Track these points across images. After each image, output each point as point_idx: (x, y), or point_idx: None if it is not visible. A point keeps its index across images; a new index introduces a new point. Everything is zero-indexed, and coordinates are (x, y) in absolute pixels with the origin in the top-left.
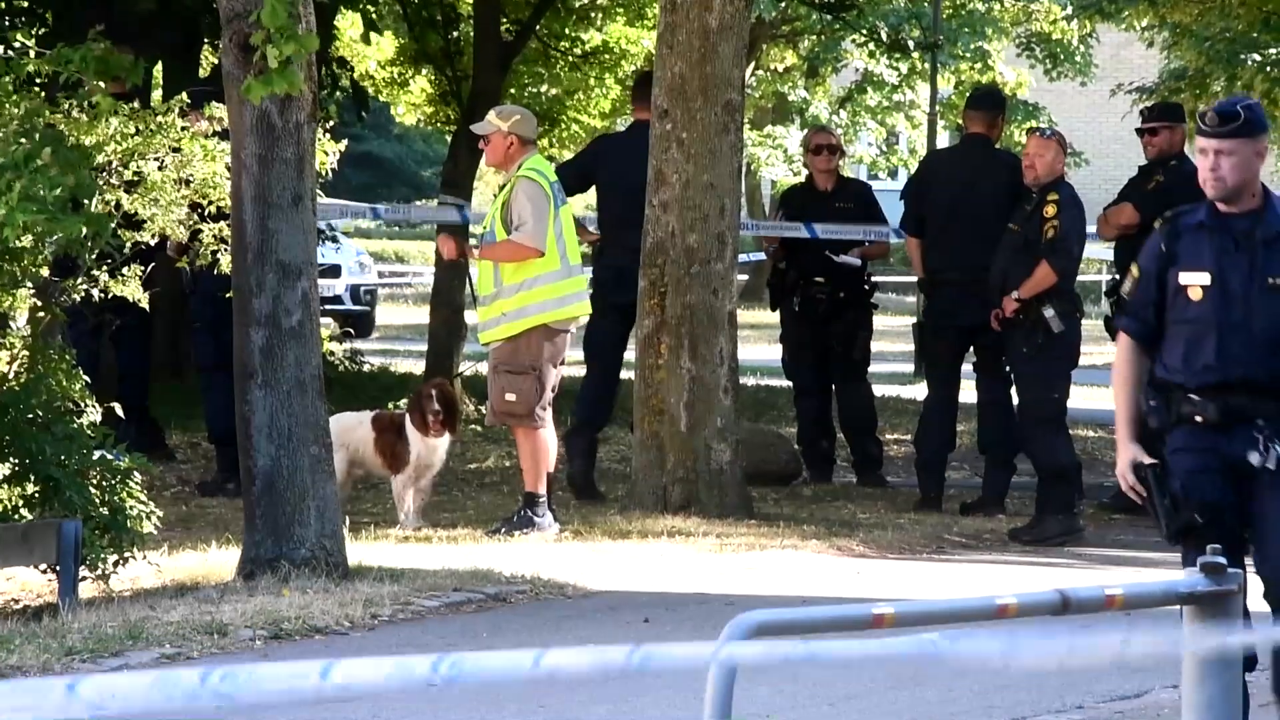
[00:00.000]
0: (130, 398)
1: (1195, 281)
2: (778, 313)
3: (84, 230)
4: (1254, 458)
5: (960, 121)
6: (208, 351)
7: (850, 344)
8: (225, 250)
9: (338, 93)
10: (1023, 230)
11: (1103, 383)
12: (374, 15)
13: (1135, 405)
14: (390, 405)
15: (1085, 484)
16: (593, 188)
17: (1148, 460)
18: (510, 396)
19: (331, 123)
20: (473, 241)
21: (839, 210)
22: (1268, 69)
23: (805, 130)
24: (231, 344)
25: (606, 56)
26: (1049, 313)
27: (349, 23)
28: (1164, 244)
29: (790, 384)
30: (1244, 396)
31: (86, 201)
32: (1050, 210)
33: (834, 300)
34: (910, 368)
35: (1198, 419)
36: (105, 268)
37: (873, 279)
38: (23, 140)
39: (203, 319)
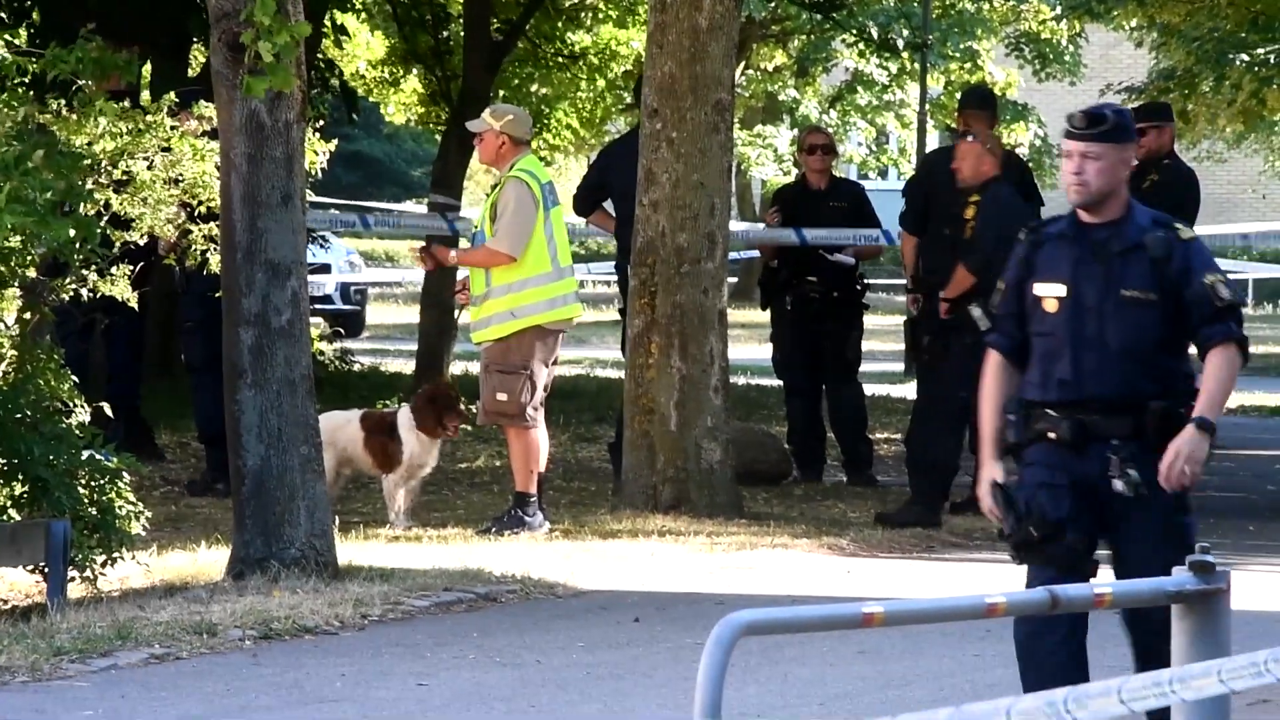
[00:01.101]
0: (121, 397)
1: (1050, 293)
2: (768, 312)
3: (72, 234)
4: (1118, 485)
5: (950, 122)
6: (198, 352)
7: (842, 343)
8: (215, 250)
9: (327, 94)
10: (951, 232)
11: None
12: (356, 4)
13: (1001, 424)
14: (379, 404)
15: None
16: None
17: (1001, 480)
18: (501, 396)
19: (321, 122)
20: (462, 243)
21: (834, 210)
22: (1256, 69)
23: (796, 130)
24: (221, 344)
25: (596, 57)
26: (976, 312)
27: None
28: (1025, 254)
29: (780, 383)
30: (1098, 414)
31: (77, 205)
32: (969, 212)
33: (826, 299)
34: (901, 366)
35: (1051, 436)
36: (94, 268)
37: (864, 278)
38: (15, 142)
39: (193, 319)
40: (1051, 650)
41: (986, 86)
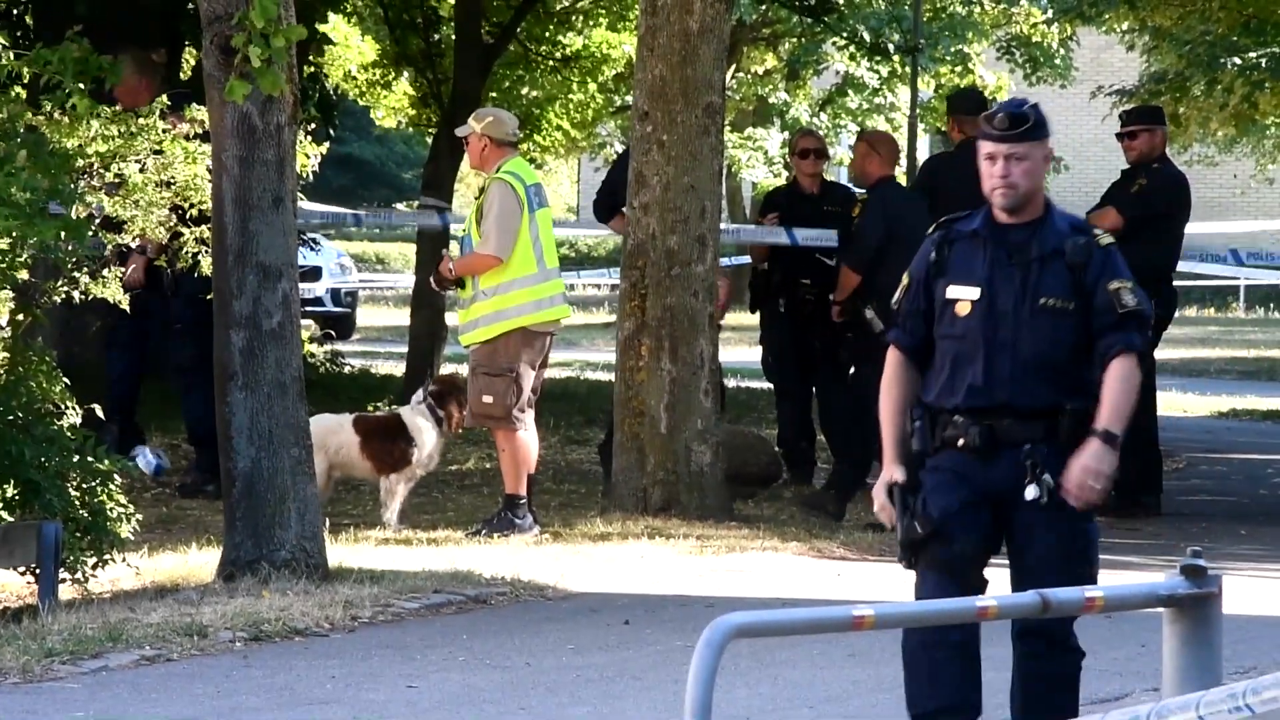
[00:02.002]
0: (121, 400)
1: (963, 296)
2: (758, 314)
3: (62, 235)
4: (1030, 492)
5: (941, 125)
6: (187, 354)
7: (835, 345)
8: (206, 252)
9: (312, 101)
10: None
11: None
12: (348, 8)
13: (904, 424)
14: (370, 407)
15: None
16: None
17: (901, 480)
18: (487, 399)
19: (312, 125)
20: (454, 249)
21: (827, 214)
22: (1247, 73)
23: (787, 133)
24: (211, 346)
25: (587, 60)
26: (869, 314)
27: (329, 25)
28: (935, 251)
29: (770, 385)
30: (1009, 420)
31: (67, 207)
32: (856, 210)
33: (820, 302)
34: None
35: (960, 443)
36: (85, 270)
37: None
38: (1, 143)
39: (183, 320)
40: (943, 663)
41: (978, 90)
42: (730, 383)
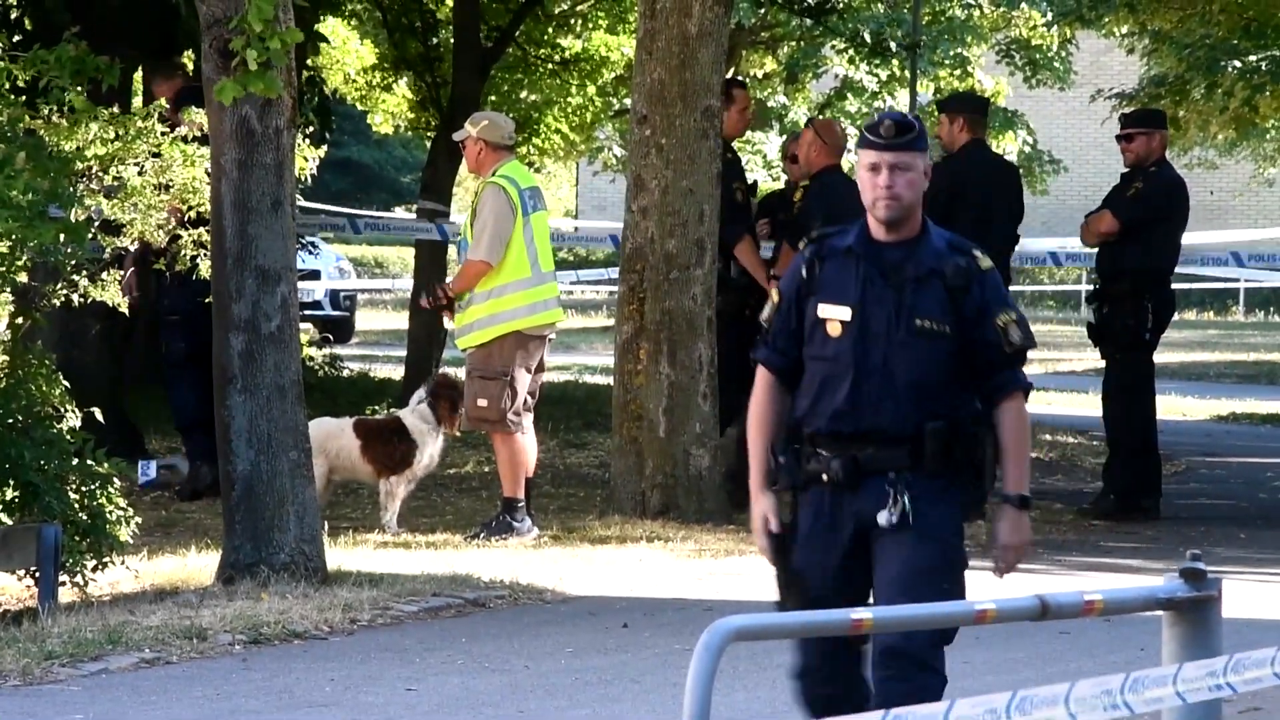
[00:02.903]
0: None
1: (834, 315)
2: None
3: (62, 237)
4: (882, 518)
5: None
6: (177, 347)
7: None
8: (205, 255)
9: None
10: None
11: (1082, 388)
12: (346, 11)
13: (772, 455)
14: (369, 410)
15: (1063, 490)
16: None
17: (774, 521)
18: (482, 402)
19: (310, 129)
20: (452, 252)
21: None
22: (1247, 76)
23: (786, 136)
24: (202, 338)
25: (586, 63)
26: None
27: (329, 29)
28: (805, 268)
29: None
30: (874, 448)
31: (66, 210)
32: (798, 196)
33: None
34: None
35: (824, 478)
36: (85, 273)
37: None
38: (1, 145)
39: (180, 312)
40: (825, 680)
41: (975, 92)
42: None
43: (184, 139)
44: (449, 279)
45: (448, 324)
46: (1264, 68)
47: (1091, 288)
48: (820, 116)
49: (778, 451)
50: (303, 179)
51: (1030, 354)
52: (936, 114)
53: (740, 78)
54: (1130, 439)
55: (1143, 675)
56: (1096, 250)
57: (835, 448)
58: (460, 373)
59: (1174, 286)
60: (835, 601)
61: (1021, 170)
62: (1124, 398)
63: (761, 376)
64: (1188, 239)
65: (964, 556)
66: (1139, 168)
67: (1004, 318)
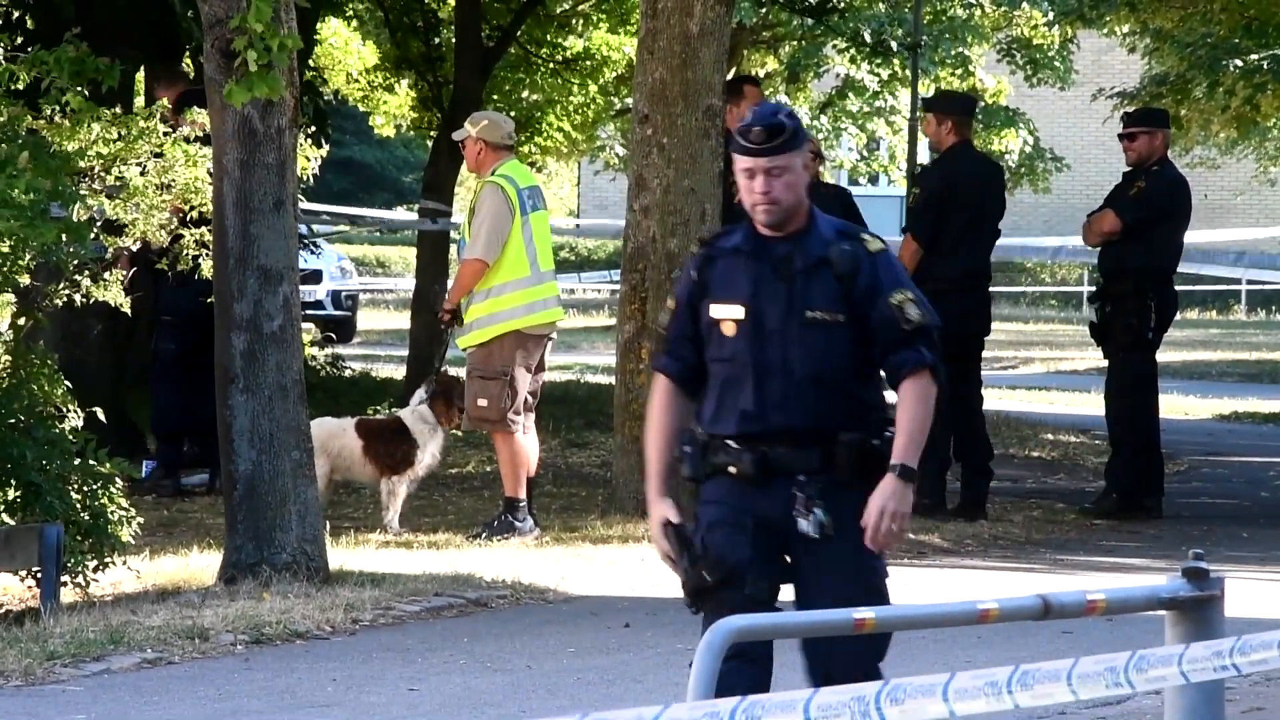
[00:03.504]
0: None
1: (728, 315)
2: None
3: (63, 237)
4: (802, 526)
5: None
6: (167, 348)
7: None
8: (207, 255)
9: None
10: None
11: (1085, 388)
12: (348, 11)
13: (671, 458)
14: (370, 410)
15: (1066, 489)
16: None
17: (675, 519)
18: (482, 402)
19: (313, 128)
20: (453, 252)
21: None
22: (1249, 74)
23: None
24: (193, 341)
25: (588, 63)
26: None
27: (330, 30)
28: (696, 270)
29: None
30: (784, 447)
31: (68, 209)
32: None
33: None
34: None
35: (732, 470)
36: (87, 273)
37: None
38: (2, 145)
39: (176, 314)
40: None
41: (960, 92)
42: None
43: (186, 139)
44: (450, 285)
45: (453, 338)
46: (1265, 66)
47: (1093, 287)
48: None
49: (683, 442)
50: (304, 179)
51: (1039, 351)
52: (922, 113)
53: (754, 74)
54: (1133, 438)
55: (1148, 654)
56: (1099, 249)
57: (746, 444)
58: (462, 372)
59: (1176, 287)
60: (760, 595)
61: (1023, 169)
62: (1126, 397)
63: (659, 384)
64: (1192, 239)
65: (885, 572)
66: (1141, 167)
67: (898, 296)
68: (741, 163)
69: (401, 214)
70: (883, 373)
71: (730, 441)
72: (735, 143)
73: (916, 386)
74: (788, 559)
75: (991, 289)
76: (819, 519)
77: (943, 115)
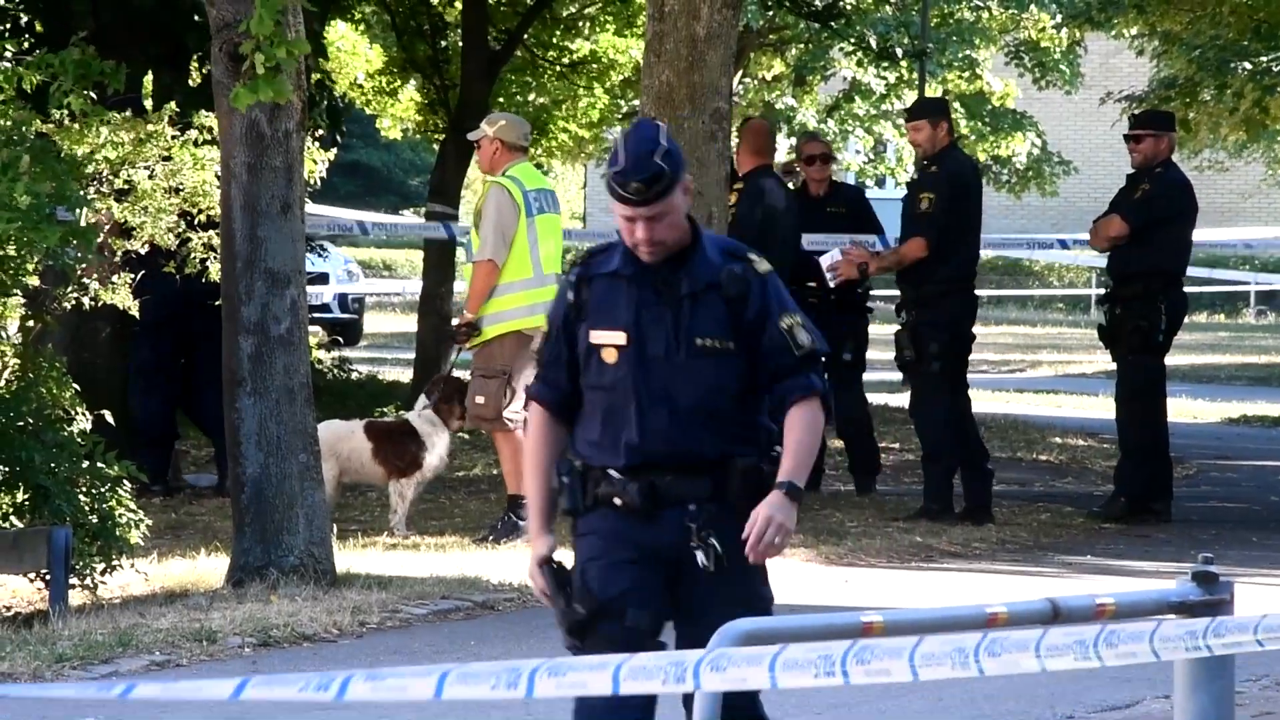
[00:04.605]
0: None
1: (608, 341)
2: None
3: (71, 240)
4: (700, 559)
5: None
6: (142, 355)
7: (859, 350)
8: (214, 258)
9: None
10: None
11: (1093, 391)
12: (355, 15)
13: (549, 486)
14: (377, 413)
15: (1074, 493)
16: None
17: (553, 556)
18: (479, 399)
19: (320, 132)
20: (459, 255)
21: (830, 215)
22: (1258, 77)
23: (795, 139)
24: (168, 348)
25: (594, 66)
26: None
27: (337, 34)
28: (572, 293)
29: None
30: (672, 476)
31: (76, 212)
32: (733, 198)
33: (826, 304)
34: (898, 374)
35: (617, 502)
36: (95, 276)
37: (869, 287)
38: (6, 149)
39: (142, 323)
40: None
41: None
42: None
43: (194, 142)
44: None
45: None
46: (1274, 69)
47: (1101, 290)
48: (753, 117)
49: (561, 472)
50: (312, 182)
51: (1049, 356)
52: (906, 120)
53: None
54: (1141, 442)
55: (1119, 629)
56: (1107, 255)
57: (631, 475)
58: (467, 374)
59: (1184, 290)
60: (641, 626)
61: (1030, 172)
62: (1135, 400)
63: (534, 413)
64: (1201, 236)
65: (771, 602)
66: (1145, 169)
67: (788, 320)
68: (621, 210)
69: (409, 217)
70: (771, 400)
71: (614, 472)
72: (612, 189)
73: (806, 412)
74: (671, 589)
75: (999, 292)
76: (716, 551)
77: (938, 120)
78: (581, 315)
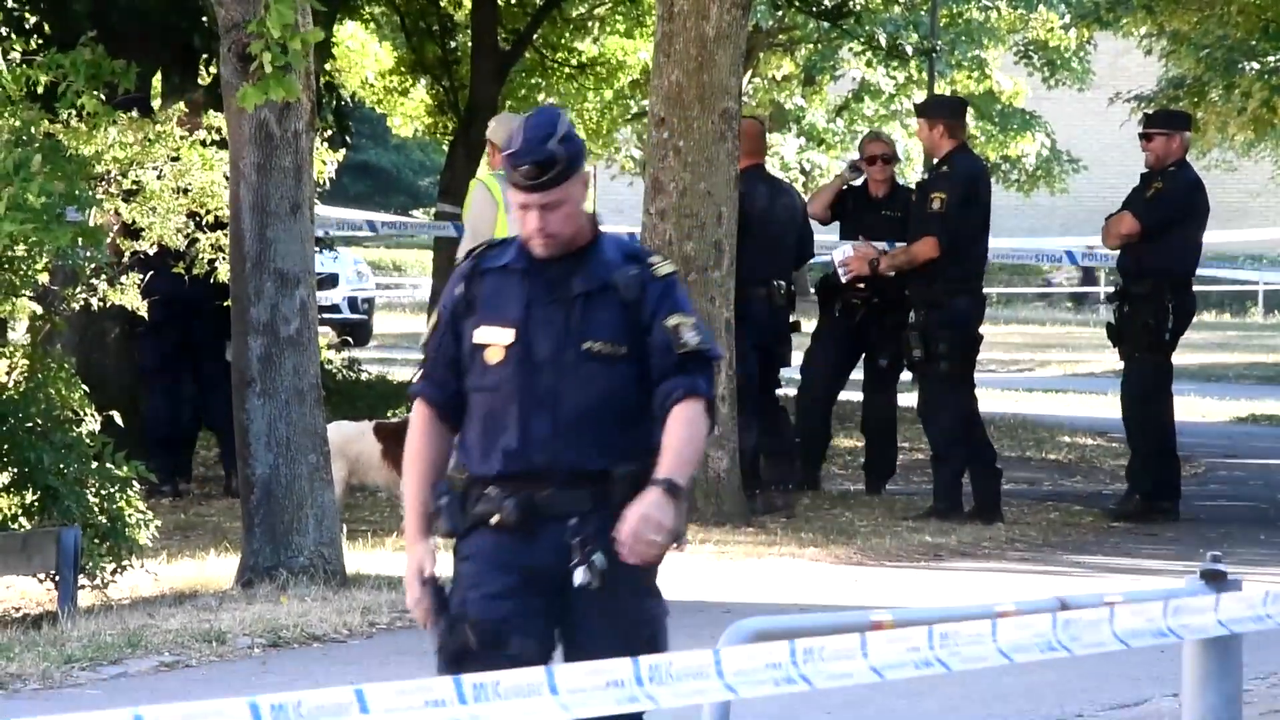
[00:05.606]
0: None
1: (494, 339)
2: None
3: (79, 240)
4: (579, 576)
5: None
6: (147, 357)
7: (899, 353)
8: (223, 259)
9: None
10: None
11: (1101, 390)
12: (365, 15)
13: (431, 496)
14: (389, 414)
15: (1082, 491)
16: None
17: (429, 571)
18: None
19: (329, 132)
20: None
21: (885, 218)
22: (1266, 77)
23: (804, 138)
24: (172, 350)
25: (603, 67)
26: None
27: (347, 34)
28: (462, 286)
29: (790, 394)
30: (552, 489)
31: (83, 213)
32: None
33: (870, 307)
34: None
35: (494, 521)
36: (104, 276)
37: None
38: (17, 149)
39: (145, 324)
40: None
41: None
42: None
43: (202, 142)
44: None
45: None
46: None
47: (1111, 289)
48: (745, 117)
49: (439, 491)
50: (321, 182)
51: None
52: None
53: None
54: (1148, 440)
55: (1075, 618)
56: (1118, 251)
57: (509, 488)
58: None
59: (1193, 289)
60: (526, 656)
61: (1040, 171)
62: (1143, 399)
63: (418, 412)
64: (1210, 239)
65: (663, 619)
66: (1158, 168)
67: (676, 319)
68: (515, 197)
69: (418, 216)
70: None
71: (491, 487)
72: (505, 171)
73: (689, 411)
74: (558, 613)
75: (1006, 290)
76: (598, 567)
77: (933, 120)
78: (470, 310)
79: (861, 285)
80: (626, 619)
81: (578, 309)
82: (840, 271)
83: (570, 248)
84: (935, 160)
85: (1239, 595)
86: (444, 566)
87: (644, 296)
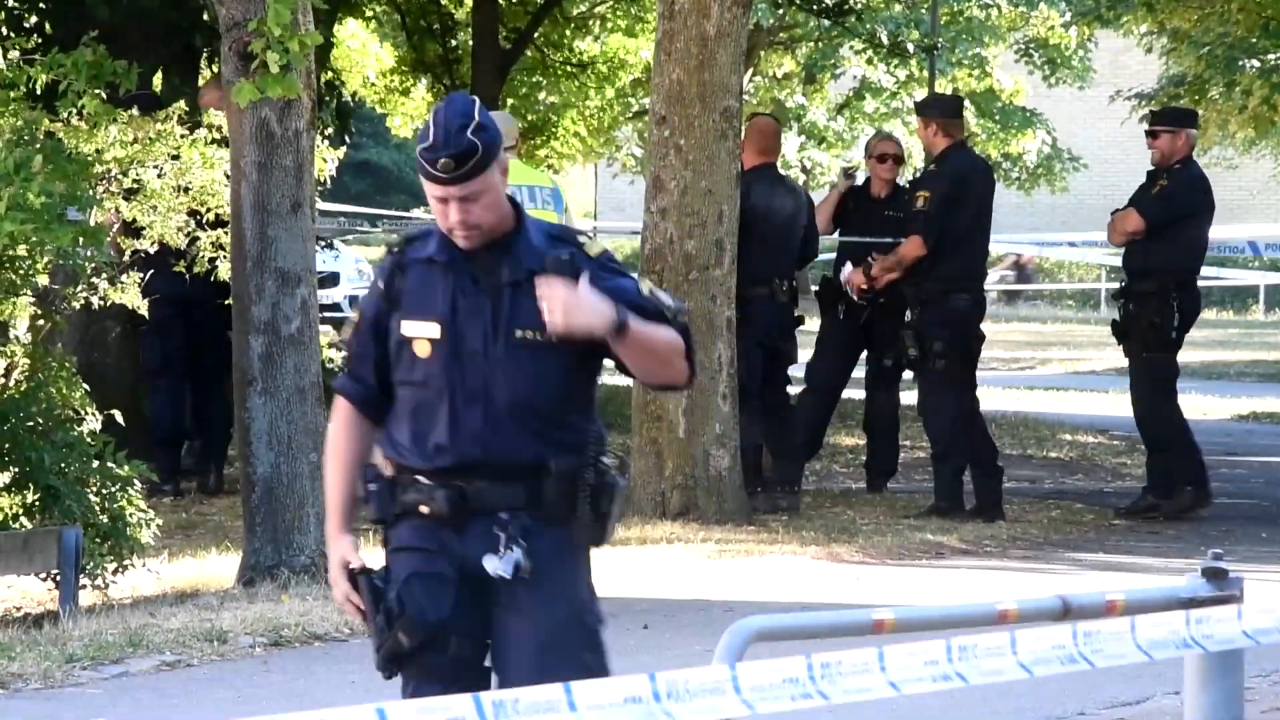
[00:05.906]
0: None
1: (421, 333)
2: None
3: (80, 240)
4: (489, 564)
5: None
6: (151, 356)
7: (906, 353)
8: (224, 257)
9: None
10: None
11: (1102, 388)
12: (366, 14)
13: (352, 490)
14: None
15: (1084, 489)
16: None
17: (357, 563)
18: None
19: (329, 131)
20: None
21: (887, 218)
22: (1266, 74)
23: (805, 137)
24: (174, 349)
25: (604, 65)
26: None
27: (348, 32)
28: (384, 280)
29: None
30: (484, 482)
31: (84, 212)
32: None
33: (874, 305)
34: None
35: (424, 510)
36: (105, 276)
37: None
38: (18, 149)
39: (152, 320)
40: None
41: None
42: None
43: (203, 141)
44: None
45: None
46: None
47: (1116, 285)
48: (762, 114)
49: (367, 479)
50: (322, 181)
51: (1055, 353)
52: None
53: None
54: (1165, 437)
55: (1097, 629)
56: (1124, 249)
57: (439, 480)
58: None
59: (1198, 286)
60: (464, 656)
61: (1041, 169)
62: (1151, 396)
63: (338, 407)
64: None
65: (601, 618)
66: (1164, 166)
67: (645, 285)
68: (432, 190)
69: (419, 215)
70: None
71: (422, 477)
72: (421, 167)
73: (671, 334)
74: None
75: (1009, 288)
76: (515, 559)
77: (928, 119)
78: (394, 305)
79: (865, 289)
80: (559, 617)
81: (506, 298)
82: (848, 290)
83: (493, 236)
84: (928, 159)
85: (1263, 607)
86: (372, 560)
87: (577, 280)
